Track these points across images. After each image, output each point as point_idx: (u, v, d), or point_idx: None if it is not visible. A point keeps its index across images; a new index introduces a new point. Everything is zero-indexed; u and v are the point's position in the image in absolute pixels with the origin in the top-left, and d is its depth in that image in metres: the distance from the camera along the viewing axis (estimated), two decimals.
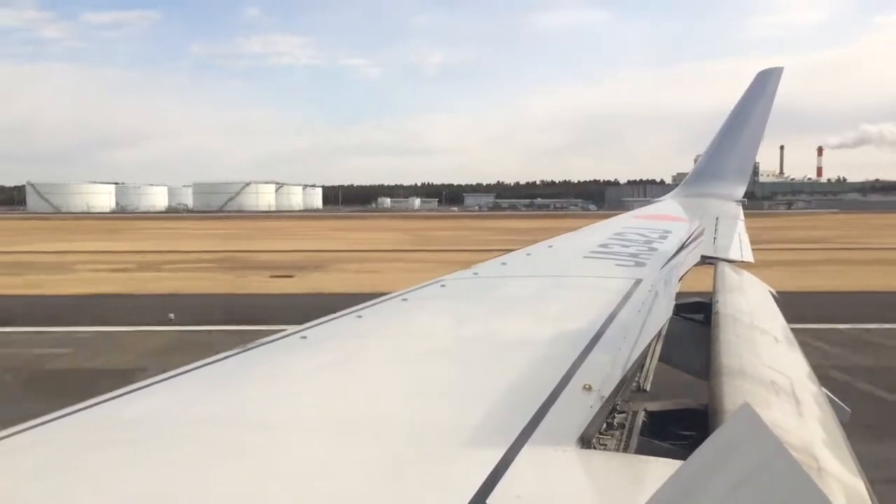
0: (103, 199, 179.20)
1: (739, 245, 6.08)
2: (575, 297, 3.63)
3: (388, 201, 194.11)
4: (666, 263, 4.46)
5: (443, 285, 3.87)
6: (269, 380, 2.27)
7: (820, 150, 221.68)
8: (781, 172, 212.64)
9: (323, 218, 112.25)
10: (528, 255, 5.19)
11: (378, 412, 1.92)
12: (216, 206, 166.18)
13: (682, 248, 5.29)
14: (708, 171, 9.86)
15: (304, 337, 2.70)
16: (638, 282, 3.75)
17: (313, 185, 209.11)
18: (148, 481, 1.50)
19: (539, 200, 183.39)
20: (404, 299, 3.46)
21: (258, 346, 2.57)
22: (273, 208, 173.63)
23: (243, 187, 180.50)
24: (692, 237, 5.85)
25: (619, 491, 1.48)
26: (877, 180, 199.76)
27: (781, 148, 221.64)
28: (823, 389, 2.59)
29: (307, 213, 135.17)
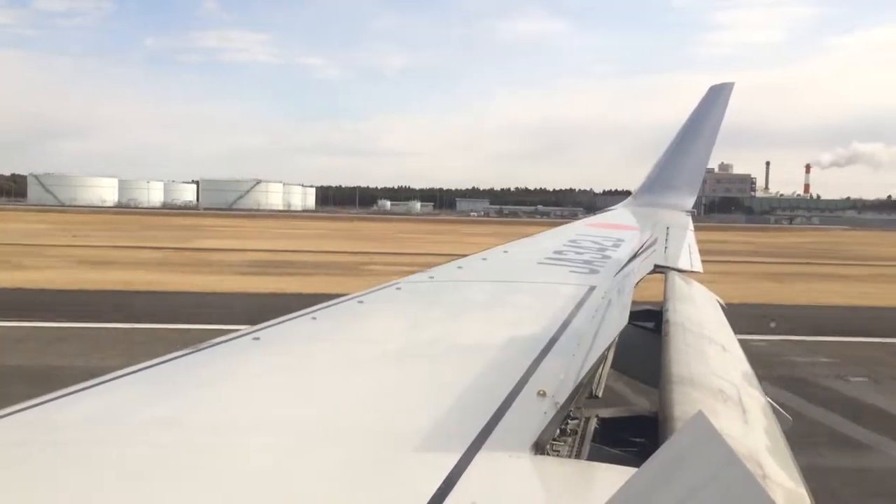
0: (107, 192, 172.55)
1: (689, 255, 6.21)
2: (530, 303, 3.66)
3: (388, 204, 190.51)
4: (619, 271, 4.53)
5: (398, 288, 3.86)
6: (217, 382, 2.22)
7: (808, 168, 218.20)
8: (766, 188, 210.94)
9: (358, 220, 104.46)
10: (484, 259, 5.21)
11: (329, 417, 1.89)
12: (225, 204, 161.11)
13: (634, 256, 5.38)
14: (660, 181, 10.06)
15: (257, 338, 2.66)
16: (592, 289, 3.80)
17: (310, 186, 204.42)
18: (83, 488, 1.45)
19: (541, 208, 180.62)
20: (360, 301, 3.43)
21: (209, 346, 2.52)
22: (280, 207, 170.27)
23: (254, 185, 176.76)
24: (645, 246, 5.96)
25: (573, 497, 1.50)
26: (847, 198, 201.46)
27: (767, 164, 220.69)
28: (767, 398, 2.66)
29: (329, 215, 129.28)
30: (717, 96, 10.09)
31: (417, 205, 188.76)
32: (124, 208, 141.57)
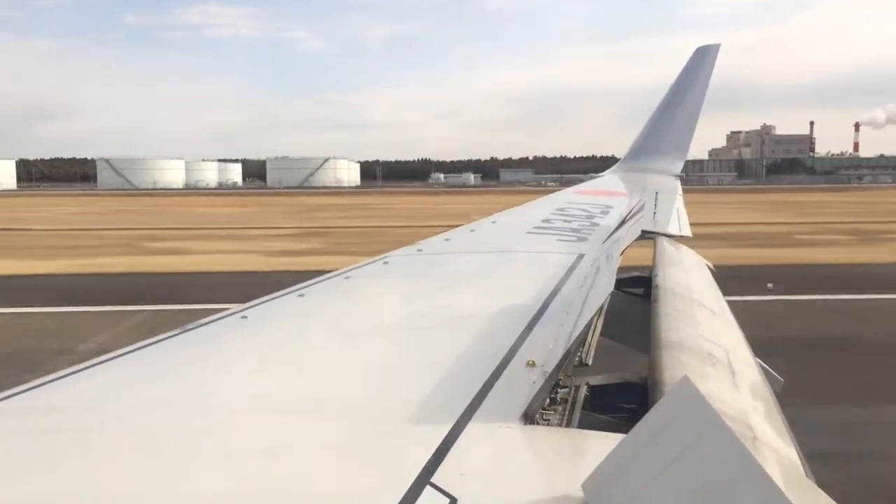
0: (173, 174, 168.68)
1: (678, 220, 6.21)
2: (518, 273, 3.65)
3: (441, 177, 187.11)
4: (607, 238, 4.52)
5: (386, 262, 3.84)
6: (206, 362, 2.22)
7: (857, 126, 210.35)
8: (812, 148, 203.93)
9: (447, 194, 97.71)
10: (472, 231, 5.20)
11: (319, 392, 1.89)
12: (296, 182, 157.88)
13: (622, 222, 5.37)
14: (647, 146, 10.02)
15: (245, 317, 2.65)
16: (580, 257, 3.79)
17: (355, 161, 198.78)
18: (82, 472, 1.45)
19: (594, 175, 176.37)
20: (347, 277, 3.42)
21: (197, 326, 2.50)
22: (343, 184, 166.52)
23: (322, 163, 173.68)
24: (633, 212, 5.95)
25: (563, 465, 1.50)
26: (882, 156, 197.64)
27: (811, 123, 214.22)
28: (758, 360, 2.67)
29: (395, 189, 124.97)
30: (704, 58, 10.02)
31: (472, 177, 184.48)
32: (195, 189, 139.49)
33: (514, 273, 3.69)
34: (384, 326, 2.61)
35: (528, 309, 2.63)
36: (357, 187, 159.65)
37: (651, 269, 3.83)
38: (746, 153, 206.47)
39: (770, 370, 2.90)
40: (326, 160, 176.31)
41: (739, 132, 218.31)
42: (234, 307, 2.77)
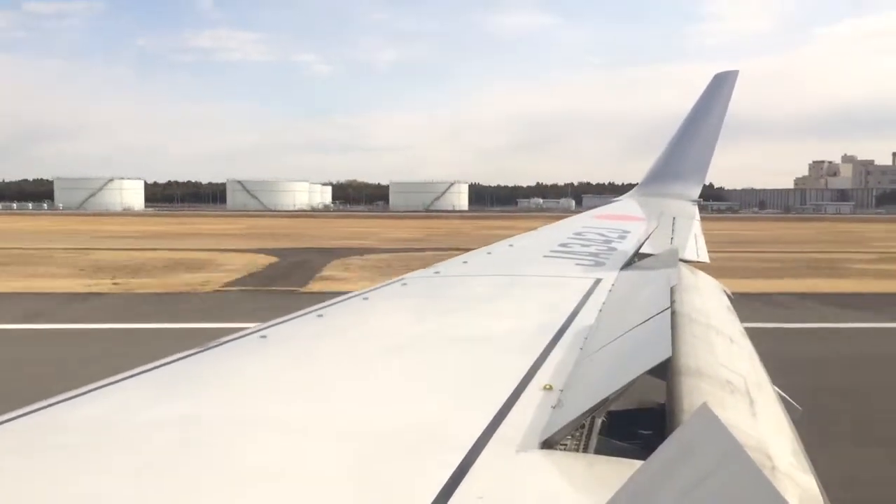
0: (300, 196, 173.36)
1: (695, 245, 6.19)
2: (536, 297, 3.65)
3: (540, 201, 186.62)
4: (625, 263, 4.52)
5: (404, 284, 3.86)
6: (225, 381, 2.23)
7: None
8: None
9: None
10: (489, 253, 5.22)
11: (336, 414, 1.90)
12: (422, 206, 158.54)
13: (640, 247, 5.36)
14: (665, 170, 10.02)
15: (264, 336, 2.67)
16: (598, 281, 3.79)
17: (466, 184, 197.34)
18: (102, 488, 1.46)
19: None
20: (365, 298, 3.44)
21: (215, 346, 2.53)
22: (458, 207, 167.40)
23: (448, 187, 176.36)
24: (651, 237, 5.94)
25: (579, 491, 1.50)
26: None
27: (894, 154, 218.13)
28: (776, 388, 2.65)
29: (507, 213, 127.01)
30: (722, 84, 10.03)
31: (573, 202, 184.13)
32: (321, 212, 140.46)
33: (530, 296, 3.69)
34: (402, 348, 2.62)
35: (546, 333, 2.63)
36: (468, 210, 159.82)
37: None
38: (834, 183, 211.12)
39: (789, 399, 2.87)
40: (452, 184, 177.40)
41: (822, 162, 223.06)
42: (254, 326, 2.79)
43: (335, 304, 3.29)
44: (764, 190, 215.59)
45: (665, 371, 2.33)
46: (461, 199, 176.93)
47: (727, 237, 49.00)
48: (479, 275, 4.38)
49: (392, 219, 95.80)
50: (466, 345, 2.64)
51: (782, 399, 2.57)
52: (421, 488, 1.41)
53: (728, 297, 4.59)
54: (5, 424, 1.77)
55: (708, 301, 3.85)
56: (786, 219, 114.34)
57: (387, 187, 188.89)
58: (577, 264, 4.54)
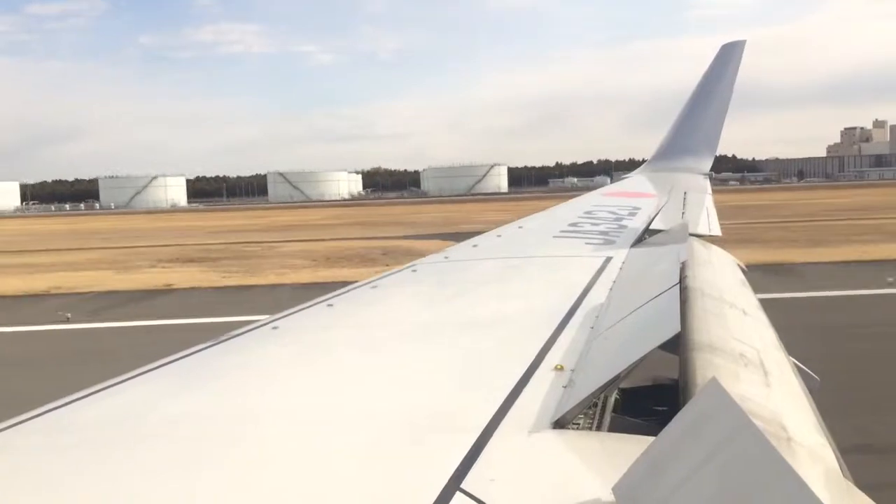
0: (343, 185, 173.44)
1: (707, 219, 6.13)
2: (545, 278, 3.64)
3: (575, 180, 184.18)
4: (636, 240, 4.49)
5: (414, 270, 3.86)
6: (242, 373, 2.25)
7: None
8: None
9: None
10: (499, 236, 5.20)
11: (350, 401, 1.91)
12: (464, 189, 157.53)
13: (650, 223, 5.32)
14: (675, 145, 9.93)
15: (276, 327, 2.68)
16: (608, 259, 3.77)
17: (505, 166, 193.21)
18: (124, 479, 1.48)
19: (748, 174, 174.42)
20: (374, 286, 3.44)
21: (229, 338, 2.54)
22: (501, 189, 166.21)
23: (489, 169, 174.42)
24: (661, 212, 5.90)
25: (592, 470, 1.49)
26: None
27: None
28: (792, 359, 2.62)
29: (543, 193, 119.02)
30: (730, 55, 9.90)
31: (608, 179, 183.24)
32: (360, 200, 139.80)
33: (540, 278, 3.68)
34: (413, 334, 2.62)
35: (556, 313, 2.62)
36: (508, 192, 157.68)
37: (680, 269, 3.79)
38: (867, 149, 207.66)
39: (806, 369, 2.85)
40: (492, 167, 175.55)
41: (854, 128, 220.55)
42: (265, 318, 2.80)
43: (344, 293, 3.30)
44: (798, 160, 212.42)
45: (679, 347, 2.32)
46: (501, 182, 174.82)
47: (823, 206, 47.67)
48: (488, 258, 4.37)
49: (452, 203, 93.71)
50: (477, 328, 2.64)
51: (799, 370, 2.54)
52: (435, 470, 1.41)
53: (742, 270, 4.56)
54: (37, 419, 1.80)
55: (721, 275, 3.81)
56: (838, 186, 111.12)
57: (413, 173, 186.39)
58: (587, 243, 4.52)
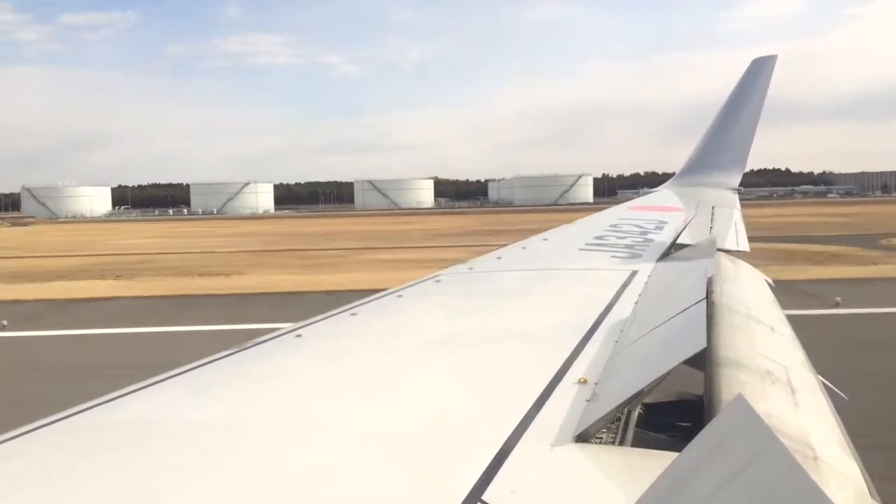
0: (424, 194, 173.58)
1: (735, 234, 6.07)
2: (570, 291, 3.62)
3: (645, 190, 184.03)
4: (662, 255, 4.46)
5: (438, 280, 3.87)
6: (264, 380, 2.26)
7: None
8: None
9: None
10: (524, 248, 5.20)
11: (373, 411, 1.91)
12: (548, 200, 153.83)
13: (676, 238, 5.28)
14: (704, 159, 9.85)
15: (299, 335, 2.69)
16: (634, 273, 3.74)
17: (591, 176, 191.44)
18: (147, 486, 1.49)
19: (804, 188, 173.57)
20: (399, 296, 3.45)
21: (253, 345, 2.56)
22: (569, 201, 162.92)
23: (577, 179, 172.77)
24: (689, 227, 5.85)
25: (614, 485, 1.48)
26: None
27: None
28: (820, 378, 2.58)
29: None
30: (760, 69, 9.82)
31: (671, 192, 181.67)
32: (445, 209, 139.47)
33: (565, 290, 3.67)
34: (434, 345, 2.63)
35: (580, 326, 2.61)
36: (594, 202, 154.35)
37: (707, 284, 3.75)
38: None
39: (833, 388, 2.80)
40: (580, 177, 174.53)
41: None
42: (289, 326, 2.82)
43: (368, 302, 3.31)
44: (880, 173, 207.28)
45: (704, 362, 2.29)
46: (587, 192, 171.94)
47: None
48: (513, 269, 4.37)
49: (553, 212, 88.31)
50: (500, 339, 2.63)
51: (827, 388, 2.50)
52: (456, 481, 1.41)
53: (770, 286, 4.50)
54: (60, 423, 1.83)
55: (748, 291, 3.77)
56: None
57: (476, 182, 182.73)
58: (613, 256, 4.50)
